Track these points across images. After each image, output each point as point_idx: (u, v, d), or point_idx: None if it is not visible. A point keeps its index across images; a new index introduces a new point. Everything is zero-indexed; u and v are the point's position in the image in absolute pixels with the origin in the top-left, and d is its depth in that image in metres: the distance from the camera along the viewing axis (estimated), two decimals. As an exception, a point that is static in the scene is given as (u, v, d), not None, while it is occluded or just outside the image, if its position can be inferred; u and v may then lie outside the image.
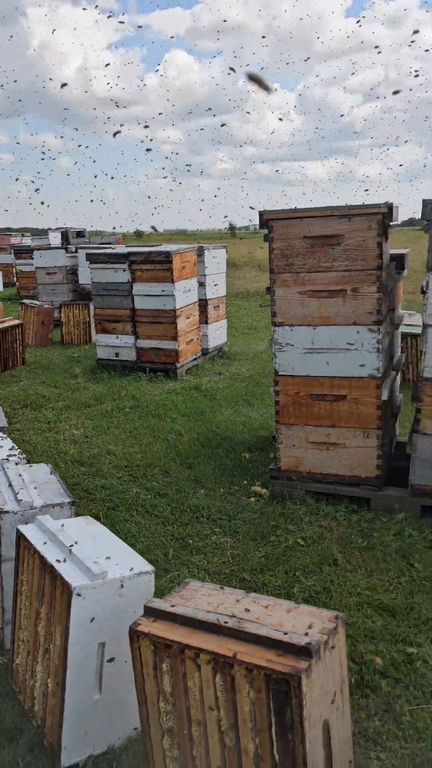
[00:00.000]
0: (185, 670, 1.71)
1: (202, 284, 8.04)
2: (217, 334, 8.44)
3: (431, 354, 3.47)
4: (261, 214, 3.73)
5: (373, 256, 3.52)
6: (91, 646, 2.06)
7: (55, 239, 17.91)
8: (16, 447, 3.37)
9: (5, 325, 8.11)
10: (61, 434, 5.45)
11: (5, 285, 19.54)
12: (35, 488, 2.81)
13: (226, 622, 1.72)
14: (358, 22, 27.99)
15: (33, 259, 15.14)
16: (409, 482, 3.69)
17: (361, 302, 3.60)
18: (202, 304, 8.08)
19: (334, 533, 3.54)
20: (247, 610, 1.80)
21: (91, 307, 9.55)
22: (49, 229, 21.11)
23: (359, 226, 3.51)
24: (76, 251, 11.41)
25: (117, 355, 7.71)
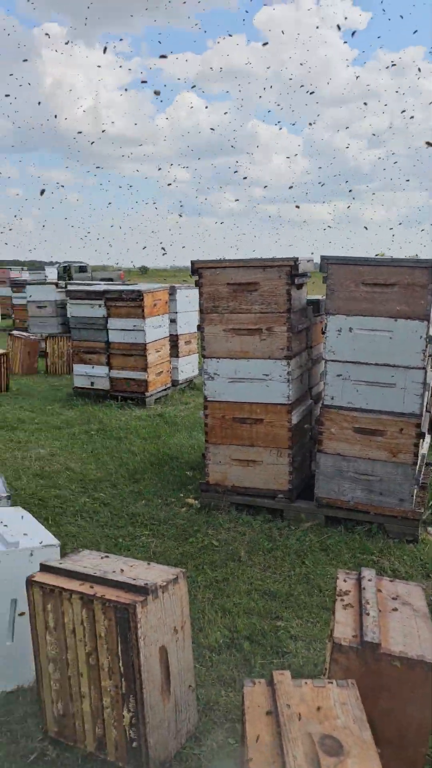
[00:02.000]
0: (63, 608, 2.28)
1: (173, 321, 8.71)
2: (187, 367, 9.08)
3: (330, 385, 4.08)
4: (193, 263, 4.40)
5: (283, 301, 4.17)
6: (5, 601, 2.63)
7: (51, 274, 18.78)
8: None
9: (-9, 354, 8.77)
10: (28, 452, 6.04)
11: (3, 317, 20.33)
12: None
13: (95, 573, 2.30)
14: (361, 69, 29.35)
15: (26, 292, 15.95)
16: (315, 495, 4.27)
17: (274, 340, 4.24)
18: (174, 339, 8.74)
19: (246, 537, 4.11)
20: (118, 569, 2.38)
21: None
22: (47, 263, 22.06)
23: (272, 276, 4.17)
24: (66, 287, 12.16)
25: (92, 384, 8.35)
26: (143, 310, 7.82)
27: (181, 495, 4.86)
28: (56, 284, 12.29)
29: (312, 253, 4.59)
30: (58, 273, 19.49)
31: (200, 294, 4.41)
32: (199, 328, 4.49)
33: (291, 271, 4.12)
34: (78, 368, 8.43)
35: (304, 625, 3.10)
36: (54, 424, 7.10)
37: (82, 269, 28.33)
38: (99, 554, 2.57)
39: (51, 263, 21.77)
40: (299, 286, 4.38)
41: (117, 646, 2.16)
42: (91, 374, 8.31)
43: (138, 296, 7.80)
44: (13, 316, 17.43)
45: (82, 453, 6.00)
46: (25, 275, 21.70)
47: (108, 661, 2.19)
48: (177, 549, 3.97)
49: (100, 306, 8.08)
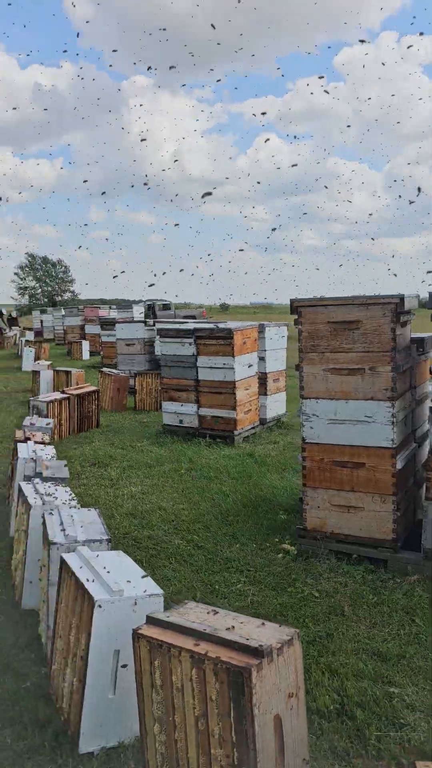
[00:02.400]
0: (171, 665, 2.17)
1: (262, 358, 8.64)
2: (275, 405, 8.95)
3: (439, 428, 3.84)
4: (292, 302, 4.31)
5: (388, 340, 3.99)
6: (108, 652, 2.55)
7: (139, 312, 19.27)
8: (73, 495, 3.98)
9: (83, 390, 8.99)
10: (120, 490, 6.06)
11: (91, 354, 20.98)
12: (81, 527, 3.38)
13: (204, 630, 2.18)
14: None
15: (115, 330, 16.38)
16: (422, 546, 3.99)
17: (377, 380, 4.06)
18: (262, 376, 8.66)
19: (348, 588, 3.88)
20: (229, 626, 2.26)
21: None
22: (134, 301, 22.71)
23: (375, 314, 4.01)
24: (154, 325, 12.39)
25: (181, 421, 8.36)
26: (233, 348, 7.79)
27: (276, 540, 4.68)
28: (144, 322, 12.55)
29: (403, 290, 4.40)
30: (145, 311, 20.00)
31: (299, 333, 4.30)
32: (297, 367, 4.37)
33: (396, 308, 3.95)
34: (167, 405, 8.48)
35: (421, 693, 2.84)
36: (144, 461, 7.12)
37: (166, 307, 28.99)
38: (206, 607, 2.46)
39: (136, 301, 22.42)
40: (404, 324, 4.19)
41: (229, 711, 2.02)
42: (180, 412, 8.33)
43: (228, 334, 7.79)
44: (102, 353, 17.94)
45: (173, 492, 5.95)
46: (113, 313, 22.40)
47: (219, 728, 2.05)
48: (276, 599, 3.79)
49: (190, 344, 8.12)
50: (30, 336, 25.70)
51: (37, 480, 4.23)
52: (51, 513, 3.52)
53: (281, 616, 3.57)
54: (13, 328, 32.48)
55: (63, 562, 2.93)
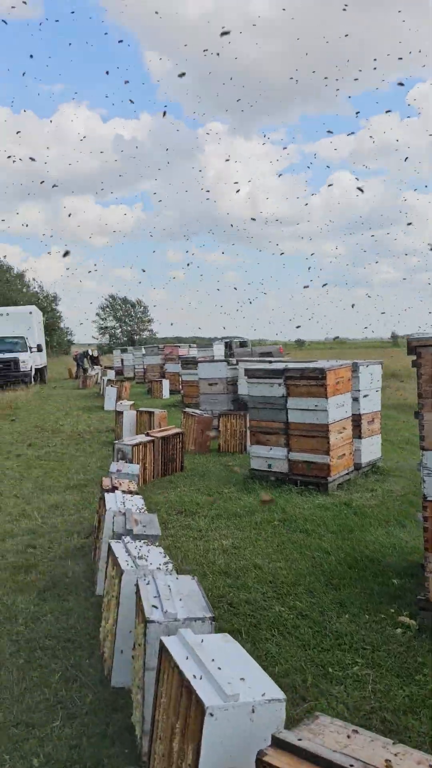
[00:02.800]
0: (309, 810, 1.70)
1: (356, 399, 8.11)
2: (370, 449, 8.35)
3: None
4: (409, 341, 3.83)
5: None
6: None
7: (219, 350, 19.10)
8: (168, 557, 3.59)
9: (168, 433, 8.71)
10: (210, 543, 5.64)
11: (172, 392, 20.92)
12: (180, 600, 2.97)
13: (351, 765, 1.70)
14: None
15: (197, 369, 16.22)
16: None
17: None
18: (356, 418, 8.11)
19: None
20: (381, 762, 1.77)
21: (248, 417, 9.97)
22: (214, 339, 22.61)
23: None
24: (237, 363, 12.08)
25: (269, 466, 7.90)
26: (326, 389, 7.31)
27: (392, 611, 4.11)
28: (227, 361, 12.27)
29: None
30: (231, 347, 19.82)
31: (419, 376, 3.81)
32: (417, 414, 3.86)
33: None
34: (255, 449, 8.05)
35: None
36: (233, 510, 6.69)
37: (243, 344, 28.86)
38: (341, 724, 1.98)
39: (213, 339, 22.35)
40: None
41: None
42: (269, 456, 7.88)
43: (320, 374, 7.33)
44: (182, 392, 17.81)
45: (268, 547, 5.48)
46: (193, 352, 22.38)
47: None
48: (401, 689, 3.23)
49: (279, 385, 7.71)
50: (111, 375, 26.07)
51: (128, 538, 3.88)
52: (146, 582, 3.14)
53: (412, 713, 3.01)
54: (95, 367, 33.20)
55: (163, 647, 2.53)
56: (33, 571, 5.20)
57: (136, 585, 3.22)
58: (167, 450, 8.64)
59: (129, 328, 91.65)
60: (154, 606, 2.89)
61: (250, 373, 8.13)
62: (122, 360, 33.04)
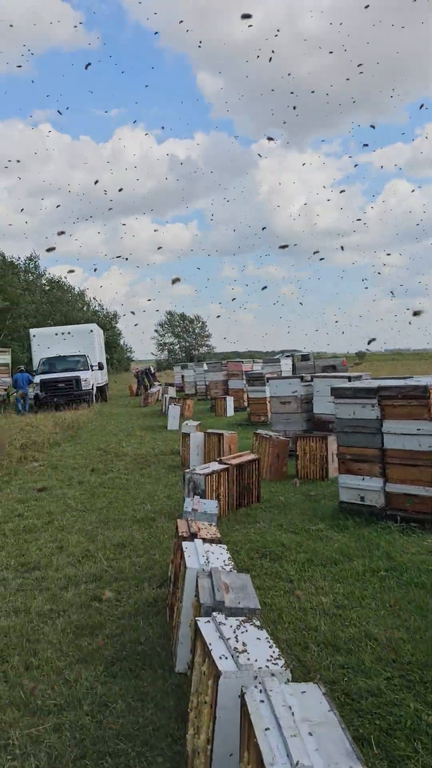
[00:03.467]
0: None
1: (460, 420, 7.01)
2: None
3: None
4: None
5: None
6: None
7: (286, 365, 18.12)
8: (278, 651, 2.69)
9: (243, 459, 7.83)
10: (306, 600, 4.70)
11: (236, 410, 20.07)
12: (310, 734, 2.06)
13: None
14: None
15: (265, 386, 15.29)
16: None
17: None
18: (462, 443, 7.00)
19: None
20: None
21: (329, 440, 8.98)
22: (280, 353, 21.65)
23: None
24: (312, 380, 11.11)
25: (362, 499, 6.89)
26: (430, 410, 6.27)
27: None
28: (301, 377, 11.30)
29: None
30: (293, 362, 18.81)
31: None
32: None
33: None
34: (345, 479, 7.06)
35: None
36: (326, 554, 5.71)
37: (305, 357, 27.72)
38: None
39: (272, 353, 21.40)
40: None
41: None
42: (362, 487, 6.87)
43: (423, 393, 6.30)
44: (248, 409, 16.90)
45: (380, 608, 4.49)
46: (257, 367, 21.47)
47: None
48: None
49: (372, 406, 6.72)
50: (172, 392, 25.46)
51: (220, 618, 2.99)
52: (258, 698, 2.25)
53: None
54: (154, 384, 32.77)
55: None
56: (99, 634, 4.39)
57: (241, 697, 2.34)
58: (243, 479, 7.76)
59: (187, 344, 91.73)
60: (274, 750, 1.98)
61: (338, 393, 7.16)
62: (183, 376, 32.44)
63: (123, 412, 23.87)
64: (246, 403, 20.32)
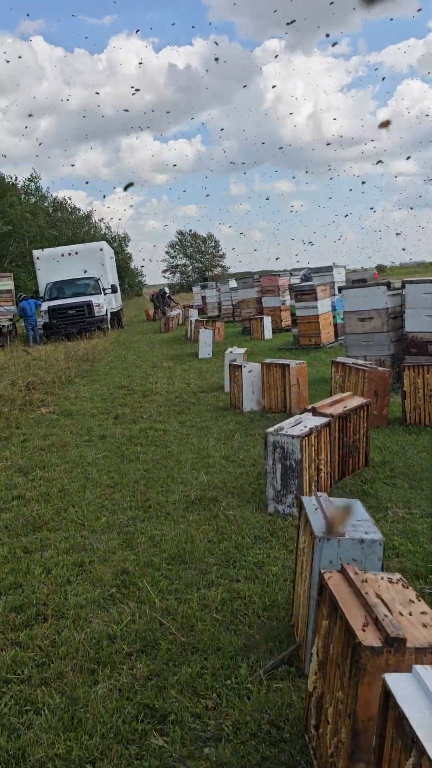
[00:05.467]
0: None
1: None
2: None
3: None
4: None
5: None
6: None
7: (339, 276, 15.16)
8: None
9: (346, 406, 5.15)
10: None
11: (274, 331, 17.28)
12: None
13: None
14: None
15: (317, 300, 12.47)
16: None
17: None
18: None
19: None
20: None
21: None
22: (281, 272, 18.64)
23: None
24: (403, 287, 8.25)
25: None
26: None
27: None
28: (388, 285, 8.45)
29: None
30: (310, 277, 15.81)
31: None
32: None
33: None
34: None
35: None
36: None
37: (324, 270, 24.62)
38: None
39: (281, 272, 18.39)
40: None
41: None
42: None
43: None
44: (295, 330, 14.08)
45: None
46: (295, 280, 18.49)
47: None
48: None
49: None
50: (195, 314, 22.60)
51: None
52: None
53: None
54: (174, 306, 29.93)
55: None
56: None
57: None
58: (347, 435, 5.12)
59: (200, 265, 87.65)
60: None
61: None
62: (204, 297, 29.50)
63: (143, 340, 21.15)
64: (285, 323, 17.50)
